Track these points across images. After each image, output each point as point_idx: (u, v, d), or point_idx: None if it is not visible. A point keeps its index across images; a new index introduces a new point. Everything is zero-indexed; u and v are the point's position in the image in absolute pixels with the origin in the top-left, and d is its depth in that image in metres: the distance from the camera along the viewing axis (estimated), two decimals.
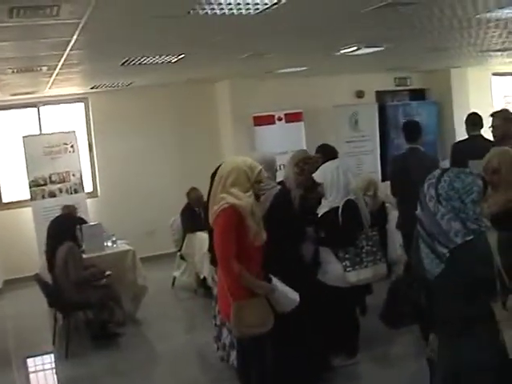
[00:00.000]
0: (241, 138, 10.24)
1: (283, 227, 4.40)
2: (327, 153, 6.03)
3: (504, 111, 6.03)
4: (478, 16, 5.32)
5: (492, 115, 5.91)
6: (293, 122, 10.62)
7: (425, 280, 2.66)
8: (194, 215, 8.10)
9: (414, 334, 5.84)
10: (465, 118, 6.75)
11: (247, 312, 3.77)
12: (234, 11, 4.37)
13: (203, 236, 7.75)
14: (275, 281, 3.97)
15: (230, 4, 4.15)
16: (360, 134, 11.10)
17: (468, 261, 2.47)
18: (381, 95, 12.00)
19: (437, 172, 2.62)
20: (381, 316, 3.53)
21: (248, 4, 4.20)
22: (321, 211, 5.11)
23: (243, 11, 4.40)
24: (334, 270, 5.04)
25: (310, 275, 4.91)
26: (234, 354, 5.02)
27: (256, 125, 10.30)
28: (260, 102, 10.26)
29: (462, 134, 10.69)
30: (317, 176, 5.07)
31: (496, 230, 2.52)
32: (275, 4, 4.24)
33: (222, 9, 4.26)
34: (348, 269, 5.05)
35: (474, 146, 6.38)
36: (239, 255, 3.74)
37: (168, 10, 4.20)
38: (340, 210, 5.00)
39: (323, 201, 5.13)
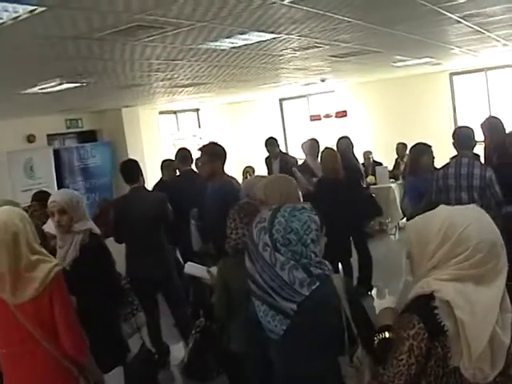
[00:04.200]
0: None
1: None
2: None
3: (211, 145, 5.56)
4: (201, 45, 5.33)
5: (200, 150, 5.59)
6: None
7: (263, 340, 2.33)
8: None
9: None
10: (179, 155, 6.73)
11: None
12: None
13: None
14: None
15: None
16: (37, 181, 10.31)
17: (316, 311, 2.16)
18: (52, 139, 11.40)
19: (266, 214, 2.23)
20: (185, 370, 3.29)
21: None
22: None
23: None
24: None
25: None
26: None
27: None
28: None
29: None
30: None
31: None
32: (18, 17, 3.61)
33: None
34: None
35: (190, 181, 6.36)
36: None
37: None
38: None
39: None
